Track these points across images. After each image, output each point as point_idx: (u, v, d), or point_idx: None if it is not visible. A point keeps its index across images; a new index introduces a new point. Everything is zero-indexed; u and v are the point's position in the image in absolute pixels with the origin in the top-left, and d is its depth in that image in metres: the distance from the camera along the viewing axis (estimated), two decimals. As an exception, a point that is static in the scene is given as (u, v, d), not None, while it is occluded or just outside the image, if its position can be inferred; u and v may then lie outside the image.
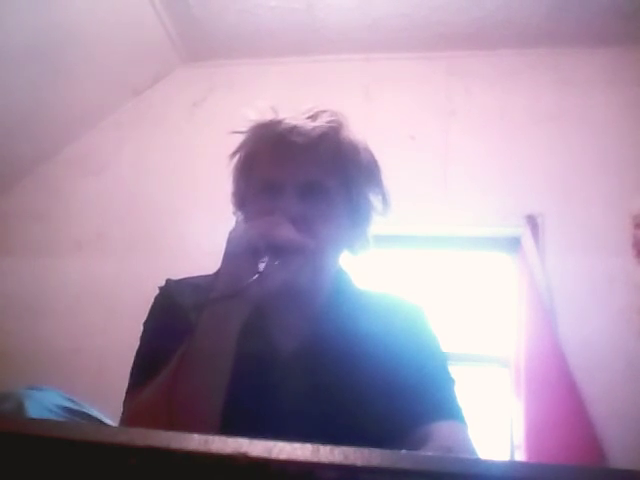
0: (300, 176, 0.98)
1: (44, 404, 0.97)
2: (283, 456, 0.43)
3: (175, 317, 0.92)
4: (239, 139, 1.05)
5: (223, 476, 0.43)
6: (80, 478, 0.45)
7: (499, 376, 2.46)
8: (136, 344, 1.02)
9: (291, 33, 2.74)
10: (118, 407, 0.97)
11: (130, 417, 0.91)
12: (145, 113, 2.96)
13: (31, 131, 2.75)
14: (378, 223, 1.07)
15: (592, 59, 2.65)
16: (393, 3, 2.54)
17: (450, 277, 2.65)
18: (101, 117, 2.95)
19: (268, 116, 1.01)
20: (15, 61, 2.42)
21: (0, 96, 2.51)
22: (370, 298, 1.09)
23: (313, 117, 0.99)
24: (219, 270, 0.90)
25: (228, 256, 0.89)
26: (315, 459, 0.43)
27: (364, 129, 1.06)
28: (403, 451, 0.44)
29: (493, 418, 2.38)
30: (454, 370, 1.04)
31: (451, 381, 1.02)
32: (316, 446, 0.43)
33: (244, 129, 1.04)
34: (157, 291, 1.07)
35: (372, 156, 1.05)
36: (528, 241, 2.44)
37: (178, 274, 1.11)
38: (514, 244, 2.52)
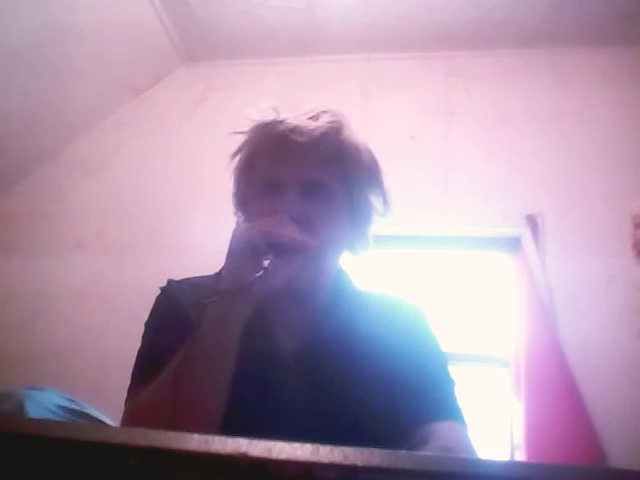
0: (302, 176, 0.98)
1: (44, 404, 0.96)
2: (283, 456, 0.43)
3: (176, 317, 0.93)
4: (240, 139, 1.05)
5: (223, 476, 0.43)
6: (80, 478, 0.45)
7: (499, 376, 2.46)
8: (137, 343, 1.02)
9: (291, 33, 2.74)
10: (118, 407, 0.97)
11: (132, 416, 0.91)
12: (145, 113, 2.96)
13: (31, 131, 2.75)
14: (378, 223, 1.08)
15: (591, 59, 2.66)
16: (393, 3, 2.54)
17: (450, 277, 2.65)
18: (101, 117, 2.95)
19: (270, 116, 1.01)
20: (15, 61, 2.42)
21: (0, 96, 2.51)
22: (370, 299, 1.09)
23: (315, 117, 0.99)
24: (222, 268, 0.91)
25: (231, 254, 0.89)
26: (315, 459, 0.43)
27: (364, 129, 1.06)
28: (403, 451, 0.44)
29: (493, 418, 2.38)
30: (454, 370, 1.04)
31: (451, 381, 1.02)
32: (316, 446, 0.43)
33: (245, 129, 1.04)
34: (158, 291, 1.07)
35: (373, 157, 1.05)
36: (528, 241, 2.44)
37: (178, 274, 1.11)
38: (514, 244, 2.52)
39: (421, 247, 2.72)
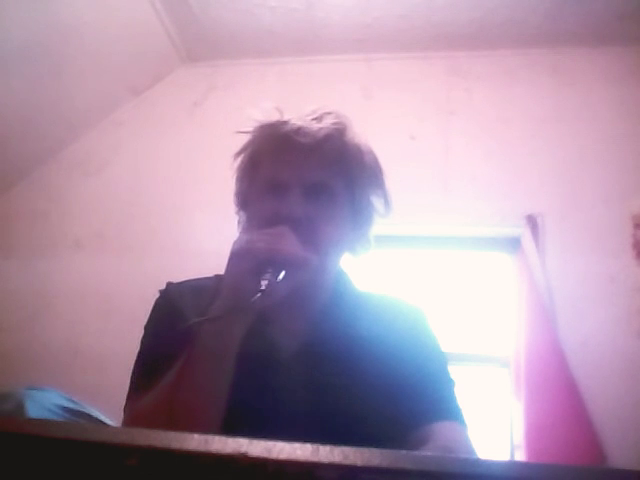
0: (305, 177, 0.98)
1: (44, 404, 0.96)
2: (283, 456, 0.43)
3: (176, 321, 0.92)
4: (241, 139, 1.05)
5: (223, 476, 0.43)
6: (80, 478, 0.45)
7: (499, 376, 2.46)
8: (136, 344, 1.02)
9: (291, 33, 2.74)
10: (118, 407, 0.97)
11: (130, 424, 0.91)
12: (145, 113, 2.96)
13: (31, 131, 2.75)
14: (378, 224, 1.08)
15: (591, 59, 2.66)
16: (393, 3, 2.54)
17: (450, 277, 2.65)
18: (101, 117, 2.95)
19: (273, 116, 1.01)
20: (15, 61, 2.42)
21: (0, 96, 2.51)
22: (370, 299, 1.09)
23: (318, 119, 0.99)
24: (222, 284, 0.89)
25: (232, 270, 0.88)
26: (315, 459, 0.43)
27: (364, 129, 1.06)
28: (403, 451, 0.44)
29: (493, 418, 2.38)
30: (454, 370, 1.04)
31: (451, 382, 1.02)
32: (316, 446, 0.43)
33: (249, 129, 1.04)
34: (158, 292, 1.07)
35: (375, 158, 1.06)
36: (528, 241, 2.44)
37: (178, 274, 1.11)
38: (514, 244, 2.52)
39: (421, 247, 2.72)
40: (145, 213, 2.78)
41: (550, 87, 2.68)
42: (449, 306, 2.54)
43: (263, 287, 0.83)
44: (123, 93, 2.94)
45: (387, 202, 1.06)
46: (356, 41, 2.76)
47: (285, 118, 1.00)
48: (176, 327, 0.85)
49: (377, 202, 1.06)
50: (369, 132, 1.06)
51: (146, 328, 1.04)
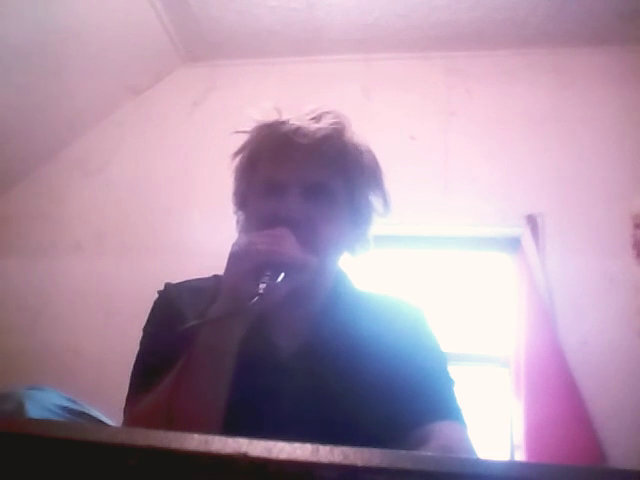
0: (303, 177, 0.98)
1: (44, 404, 0.96)
2: (283, 456, 0.43)
3: (175, 323, 0.92)
4: (240, 139, 1.05)
5: (223, 476, 0.43)
6: (80, 478, 0.45)
7: (499, 376, 2.46)
8: (136, 344, 1.02)
9: (291, 33, 2.74)
10: (118, 407, 0.97)
11: (129, 426, 0.91)
12: (145, 113, 2.96)
13: (31, 131, 2.75)
14: (378, 224, 1.08)
15: (591, 59, 2.65)
16: (393, 3, 2.54)
17: (450, 277, 2.65)
18: (101, 117, 2.95)
19: (272, 116, 1.01)
20: (15, 61, 2.42)
21: (0, 96, 2.51)
22: (370, 299, 1.09)
23: (317, 118, 0.99)
24: (221, 285, 0.89)
25: (230, 272, 0.88)
26: (315, 459, 0.43)
27: (364, 129, 1.06)
28: (403, 451, 0.44)
29: (493, 418, 2.38)
30: (454, 370, 1.04)
31: (451, 382, 1.02)
32: (316, 446, 0.43)
33: (248, 129, 1.04)
34: (156, 295, 1.07)
35: (374, 158, 1.06)
36: (528, 241, 2.44)
37: (178, 274, 1.11)
38: (514, 244, 2.52)
39: (421, 247, 2.72)
40: (145, 213, 2.78)
41: (550, 87, 2.68)
42: (449, 306, 2.54)
43: (262, 289, 0.83)
44: (123, 93, 2.94)
45: (386, 202, 1.06)
46: (356, 41, 2.76)
47: (284, 118, 1.00)
48: (175, 328, 0.85)
49: (376, 202, 1.06)
50: (369, 132, 1.06)
51: (145, 329, 1.03)
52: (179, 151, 2.86)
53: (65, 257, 2.76)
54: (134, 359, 1.01)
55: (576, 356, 2.26)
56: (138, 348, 1.01)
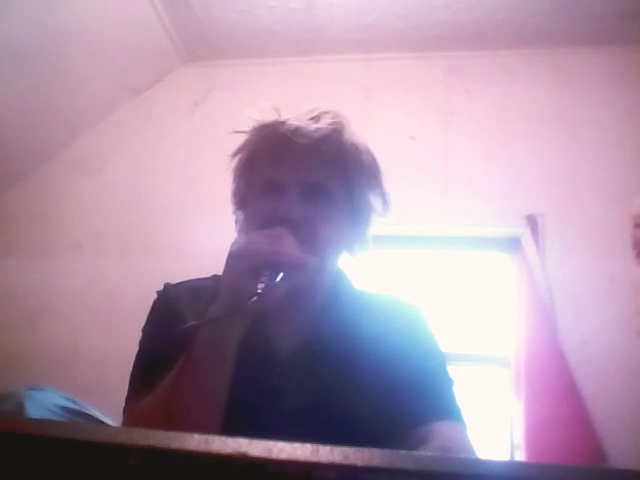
0: (302, 177, 0.98)
1: (44, 404, 0.96)
2: (283, 456, 0.43)
3: (174, 323, 0.92)
4: (240, 139, 1.05)
5: (223, 476, 0.43)
6: (80, 478, 0.45)
7: (499, 376, 2.46)
8: (135, 344, 1.02)
9: (291, 33, 2.74)
10: (118, 407, 0.97)
11: (129, 427, 0.91)
12: (145, 113, 2.96)
13: (31, 131, 2.75)
14: (378, 223, 1.08)
15: (591, 59, 2.66)
16: (393, 3, 2.54)
17: (450, 277, 2.65)
18: (101, 117, 2.95)
19: (271, 116, 1.01)
20: (15, 61, 2.42)
21: (0, 96, 2.51)
22: (369, 299, 1.09)
23: (316, 118, 0.99)
24: (220, 285, 0.89)
25: (229, 272, 0.88)
26: (315, 459, 0.43)
27: (364, 129, 1.06)
28: (403, 451, 0.44)
29: (493, 418, 2.38)
30: (454, 370, 1.04)
31: (450, 381, 1.02)
32: (316, 446, 0.43)
33: (246, 129, 1.04)
34: (155, 295, 1.07)
35: (373, 158, 1.05)
36: (528, 241, 2.44)
37: (178, 274, 1.11)
38: (514, 244, 2.52)
39: (421, 247, 2.72)
40: (145, 213, 2.78)
41: (550, 87, 2.68)
42: (449, 306, 2.54)
43: (260, 289, 0.83)
44: (123, 93, 2.94)
45: (385, 201, 1.06)
46: (356, 41, 2.76)
47: (282, 118, 1.00)
48: (174, 329, 0.85)
49: (375, 201, 1.05)
50: (369, 132, 1.07)
51: (144, 330, 1.03)
52: (179, 151, 2.86)
53: (65, 257, 2.76)
54: (133, 359, 1.00)
55: (576, 356, 2.26)
56: (137, 348, 1.01)
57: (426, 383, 0.96)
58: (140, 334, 1.03)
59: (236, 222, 1.08)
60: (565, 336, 2.31)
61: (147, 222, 2.76)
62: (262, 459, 0.43)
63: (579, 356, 2.26)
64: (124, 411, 0.96)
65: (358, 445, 0.43)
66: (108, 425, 1.04)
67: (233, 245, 0.89)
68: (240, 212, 1.07)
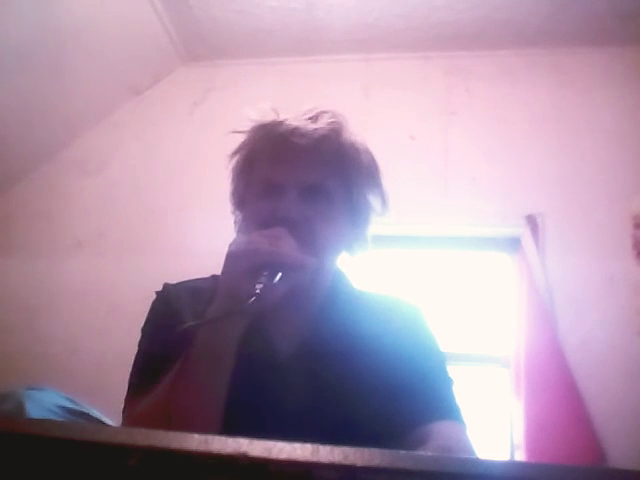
0: (301, 178, 0.98)
1: (44, 404, 0.96)
2: (283, 456, 0.43)
3: (173, 323, 0.91)
4: (239, 139, 1.05)
5: (223, 476, 0.43)
6: (80, 478, 0.45)
7: (499, 376, 2.46)
8: (135, 344, 1.02)
9: (291, 33, 2.74)
10: (118, 407, 0.97)
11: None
12: (145, 113, 2.96)
13: (31, 131, 2.75)
14: (378, 223, 1.08)
15: (592, 59, 2.65)
16: (393, 3, 2.54)
17: (450, 277, 2.65)
18: (101, 117, 2.95)
19: (269, 117, 1.01)
20: (15, 61, 2.42)
21: (0, 95, 2.51)
22: (368, 299, 1.09)
23: (314, 118, 0.99)
24: (219, 286, 0.89)
25: (228, 272, 0.88)
26: (315, 459, 0.43)
27: (364, 129, 1.06)
28: (403, 451, 0.44)
29: (493, 418, 2.38)
30: (454, 370, 1.04)
31: (450, 381, 1.02)
32: (316, 446, 0.43)
33: (245, 129, 1.04)
34: (154, 295, 1.06)
35: (372, 157, 1.05)
36: (528, 241, 2.44)
37: (178, 274, 1.11)
38: (514, 244, 2.52)
39: (421, 247, 2.72)
40: (145, 213, 2.78)
41: (550, 87, 2.68)
42: (449, 306, 2.54)
43: (259, 290, 0.82)
44: (123, 93, 2.94)
45: (384, 201, 1.06)
46: (356, 41, 2.76)
47: (281, 118, 1.00)
48: (173, 329, 0.85)
49: (374, 201, 1.05)
50: (369, 132, 1.06)
51: (143, 330, 1.03)
52: (179, 151, 2.86)
53: (65, 256, 2.76)
54: (133, 359, 1.00)
55: (576, 356, 2.26)
56: (137, 348, 1.01)
57: (426, 383, 0.96)
58: (139, 334, 1.03)
59: (235, 222, 1.08)
60: (565, 336, 2.31)
61: (147, 222, 2.76)
62: (262, 459, 0.43)
63: (579, 356, 2.26)
64: (123, 411, 0.96)
65: (358, 445, 0.43)
66: (108, 425, 1.04)
67: (232, 245, 0.89)
68: (239, 212, 1.07)
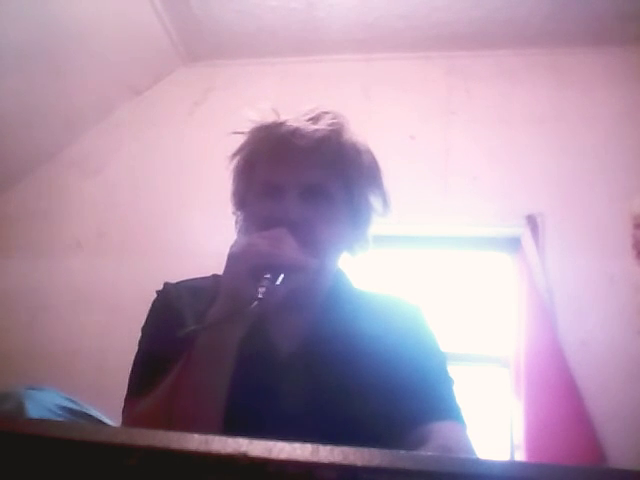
0: (302, 179, 0.98)
1: (44, 404, 0.96)
2: (283, 456, 0.43)
3: (173, 323, 0.91)
4: (240, 139, 1.05)
5: (223, 476, 0.43)
6: (80, 478, 0.45)
7: (499, 376, 2.46)
8: (135, 344, 1.02)
9: (291, 33, 2.74)
10: (118, 407, 0.97)
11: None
12: (145, 113, 2.96)
13: (31, 131, 2.75)
14: (378, 223, 1.08)
15: (592, 59, 2.65)
16: (393, 3, 2.54)
17: (450, 277, 2.65)
18: (101, 117, 2.95)
19: (270, 118, 1.01)
20: (15, 61, 2.42)
21: (0, 95, 2.51)
22: (369, 299, 1.09)
23: (315, 119, 0.99)
24: (220, 286, 0.89)
25: (229, 273, 0.88)
26: (315, 459, 0.43)
27: (364, 129, 1.06)
28: (403, 451, 0.44)
29: (493, 418, 2.38)
30: (454, 370, 1.04)
31: (450, 381, 1.02)
32: (316, 446, 0.43)
33: (245, 130, 1.03)
34: (155, 295, 1.06)
35: (373, 158, 1.05)
36: (528, 241, 2.44)
37: (178, 274, 1.11)
38: (514, 244, 2.52)
39: (421, 247, 2.72)
40: (145, 213, 2.78)
41: (550, 87, 2.68)
42: (449, 306, 2.54)
43: (260, 293, 0.82)
44: (123, 93, 2.94)
45: (385, 201, 1.06)
46: (356, 41, 2.76)
47: (281, 119, 1.00)
48: (174, 329, 0.85)
49: (375, 202, 1.05)
50: (369, 132, 1.06)
51: (144, 330, 1.03)
52: (179, 151, 2.86)
53: (65, 256, 2.76)
54: (133, 359, 1.00)
55: (576, 356, 2.26)
56: (137, 348, 1.01)
57: (426, 383, 0.96)
58: (140, 334, 1.03)
59: (236, 223, 1.08)
60: (565, 336, 2.31)
61: (147, 222, 2.76)
62: (262, 459, 0.43)
63: (579, 356, 2.26)
64: (123, 411, 0.96)
65: (358, 445, 0.43)
66: (108, 425, 1.04)
67: (233, 246, 0.89)
68: (240, 213, 1.07)
